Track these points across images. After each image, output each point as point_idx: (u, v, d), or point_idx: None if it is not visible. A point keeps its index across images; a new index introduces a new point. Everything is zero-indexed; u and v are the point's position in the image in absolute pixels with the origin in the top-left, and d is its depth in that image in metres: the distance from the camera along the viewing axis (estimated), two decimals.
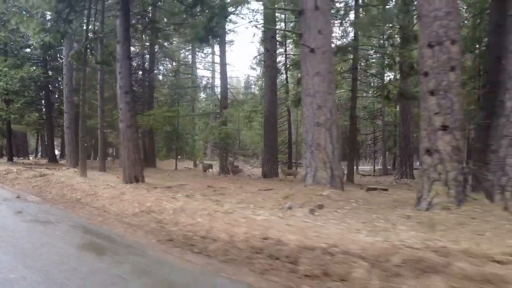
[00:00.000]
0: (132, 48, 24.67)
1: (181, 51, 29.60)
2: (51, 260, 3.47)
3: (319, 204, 5.84)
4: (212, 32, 7.58)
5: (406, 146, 19.33)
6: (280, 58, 20.82)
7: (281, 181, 13.02)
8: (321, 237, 3.89)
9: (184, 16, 8.26)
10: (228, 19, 15.58)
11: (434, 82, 5.00)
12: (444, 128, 4.98)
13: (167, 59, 26.32)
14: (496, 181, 4.94)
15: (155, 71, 23.63)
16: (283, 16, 20.14)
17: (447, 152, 4.99)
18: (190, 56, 30.56)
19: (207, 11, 7.33)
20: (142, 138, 21.79)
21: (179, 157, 30.92)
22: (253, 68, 34.29)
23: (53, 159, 18.43)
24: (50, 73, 19.56)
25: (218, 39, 14.33)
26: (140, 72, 22.79)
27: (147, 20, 9.11)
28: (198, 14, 7.64)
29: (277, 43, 18.70)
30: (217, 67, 19.48)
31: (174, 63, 29.58)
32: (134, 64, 25.33)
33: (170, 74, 22.22)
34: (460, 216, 4.80)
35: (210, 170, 15.31)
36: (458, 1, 5.27)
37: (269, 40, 17.35)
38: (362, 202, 6.41)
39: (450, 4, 4.95)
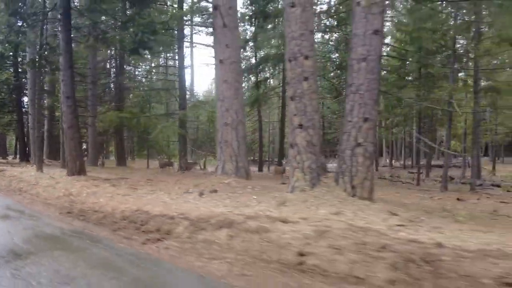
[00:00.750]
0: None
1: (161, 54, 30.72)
2: None
3: (214, 189, 7.09)
4: (143, 44, 8.79)
5: None
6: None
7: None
8: (178, 209, 5.12)
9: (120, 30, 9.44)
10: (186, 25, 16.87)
11: (292, 90, 6.28)
12: (300, 126, 6.25)
13: (142, 61, 27.46)
14: (338, 168, 6.23)
15: (125, 74, 24.79)
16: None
17: (303, 146, 6.27)
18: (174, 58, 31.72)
19: (136, 27, 8.54)
20: (116, 139, 22.95)
21: (159, 156, 32.03)
22: None
23: (24, 159, 19.46)
24: (27, 76, 20.59)
25: (176, 46, 15.52)
26: (113, 75, 23.89)
27: (87, 33, 10.25)
28: (130, 29, 8.82)
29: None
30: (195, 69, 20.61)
31: (153, 64, 30.91)
32: (108, 66, 26.58)
33: (142, 76, 23.31)
34: (308, 196, 6.06)
35: (171, 167, 16.50)
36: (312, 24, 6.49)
37: None
38: (258, 188, 7.68)
39: (304, 27, 6.22)
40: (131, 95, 26.76)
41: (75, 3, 12.04)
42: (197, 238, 4.08)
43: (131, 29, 8.45)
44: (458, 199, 10.17)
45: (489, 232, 4.45)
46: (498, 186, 16.59)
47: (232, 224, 4.30)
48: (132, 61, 25.84)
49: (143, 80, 28.68)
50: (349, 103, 6.08)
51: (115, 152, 22.57)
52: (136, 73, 30.16)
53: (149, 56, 27.96)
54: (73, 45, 14.97)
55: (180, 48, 16.04)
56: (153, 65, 31.74)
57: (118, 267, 3.15)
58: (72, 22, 11.82)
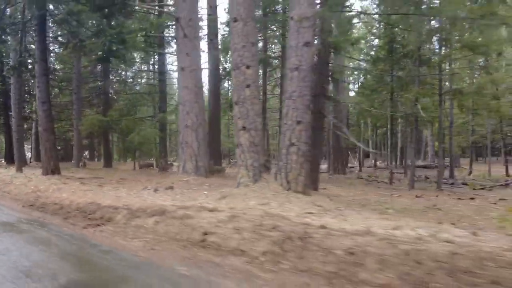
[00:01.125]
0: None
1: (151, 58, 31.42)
2: None
3: (171, 186, 7.80)
4: (112, 53, 9.51)
5: (338, 146, 21.50)
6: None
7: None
8: (126, 202, 5.82)
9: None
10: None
11: (236, 95, 7.02)
12: (244, 128, 6.98)
13: (129, 65, 28.16)
14: (277, 166, 6.96)
15: (116, 77, 25.57)
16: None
17: (246, 146, 6.99)
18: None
19: (105, 37, 9.24)
20: (103, 141, 23.62)
21: (151, 159, 32.74)
22: None
23: (11, 161, 20.07)
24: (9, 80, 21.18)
25: (158, 51, 16.24)
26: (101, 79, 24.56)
27: (66, 40, 10.96)
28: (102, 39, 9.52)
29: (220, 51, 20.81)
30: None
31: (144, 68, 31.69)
32: (99, 69, 27.28)
33: (128, 80, 24.02)
34: (249, 190, 6.76)
35: (151, 167, 17.20)
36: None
37: (211, 50, 19.37)
38: (214, 186, 8.40)
39: (245, 40, 6.95)
40: (121, 98, 27.45)
41: (61, 8, 12.63)
42: (130, 224, 4.80)
43: (102, 39, 9.13)
44: (416, 196, 10.89)
45: (393, 220, 5.16)
46: (467, 184, 17.37)
47: (164, 212, 5.02)
48: (122, 65, 26.61)
49: (133, 83, 29.35)
50: (285, 108, 6.82)
51: (105, 155, 23.18)
52: (124, 76, 30.90)
53: (136, 60, 28.87)
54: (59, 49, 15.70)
55: (161, 54, 16.74)
56: (144, 68, 32.49)
57: (52, 243, 3.86)
58: (52, 30, 12.57)
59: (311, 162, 9.05)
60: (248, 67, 6.93)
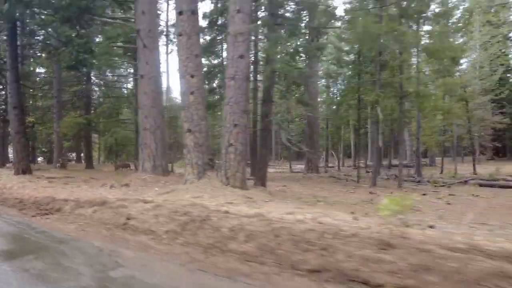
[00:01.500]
0: None
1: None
2: None
3: (127, 183, 8.64)
4: (80, 62, 10.33)
5: (312, 146, 22.49)
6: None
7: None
8: (78, 196, 6.66)
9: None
10: None
11: (182, 101, 7.89)
12: (189, 130, 7.85)
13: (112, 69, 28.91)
14: (221, 164, 7.84)
15: (101, 81, 26.38)
16: None
17: (191, 146, 7.86)
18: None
19: (72, 47, 10.07)
20: (85, 143, 24.35)
21: (136, 160, 33.48)
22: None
23: None
24: None
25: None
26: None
27: (41, 48, 11.78)
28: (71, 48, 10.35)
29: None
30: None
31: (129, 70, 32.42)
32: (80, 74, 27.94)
33: (110, 84, 24.79)
34: (192, 186, 7.62)
35: (128, 168, 17.99)
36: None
37: None
38: (169, 183, 9.24)
39: (189, 52, 7.83)
40: (106, 101, 28.17)
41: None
42: (74, 213, 5.64)
43: (69, 49, 9.95)
44: (370, 192, 11.82)
45: (304, 209, 6.01)
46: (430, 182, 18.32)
47: (104, 203, 5.86)
48: (108, 70, 27.30)
49: (115, 87, 30.04)
50: (224, 113, 7.72)
51: (87, 156, 23.91)
52: (109, 80, 31.61)
53: (122, 65, 29.66)
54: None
55: (139, 59, 17.51)
56: (129, 70, 33.26)
57: None
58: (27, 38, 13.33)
59: (259, 161, 10.00)
60: (192, 76, 7.81)
